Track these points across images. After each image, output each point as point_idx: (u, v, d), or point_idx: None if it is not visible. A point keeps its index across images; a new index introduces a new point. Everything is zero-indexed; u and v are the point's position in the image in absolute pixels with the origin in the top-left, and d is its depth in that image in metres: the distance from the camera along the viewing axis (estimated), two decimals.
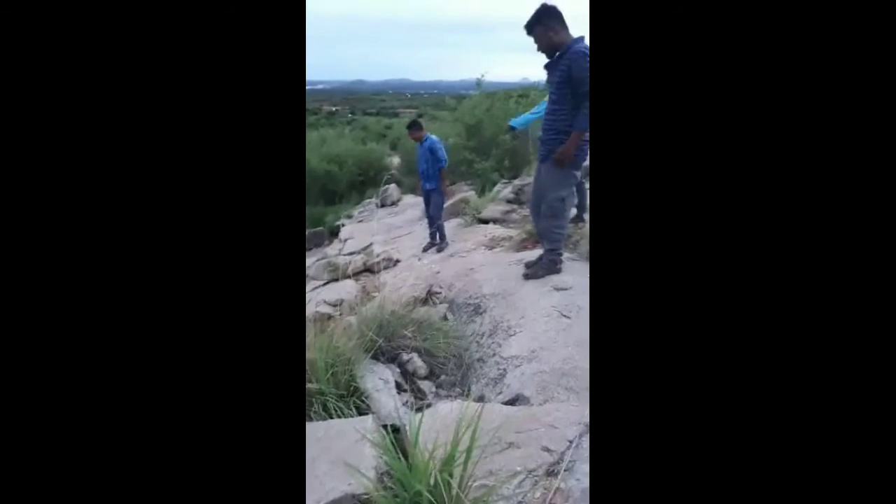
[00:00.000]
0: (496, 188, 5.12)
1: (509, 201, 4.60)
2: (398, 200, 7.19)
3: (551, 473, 1.05)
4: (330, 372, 1.50)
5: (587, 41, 2.00)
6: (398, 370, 1.83)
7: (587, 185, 3.60)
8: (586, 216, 3.36)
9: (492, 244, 3.46)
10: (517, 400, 1.58)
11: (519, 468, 1.06)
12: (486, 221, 4.21)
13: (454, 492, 0.89)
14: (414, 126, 4.03)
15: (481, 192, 5.15)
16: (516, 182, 5.08)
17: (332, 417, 1.38)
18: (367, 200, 7.66)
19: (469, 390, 1.78)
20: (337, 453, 1.10)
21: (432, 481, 0.91)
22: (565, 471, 1.05)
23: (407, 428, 1.24)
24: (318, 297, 3.15)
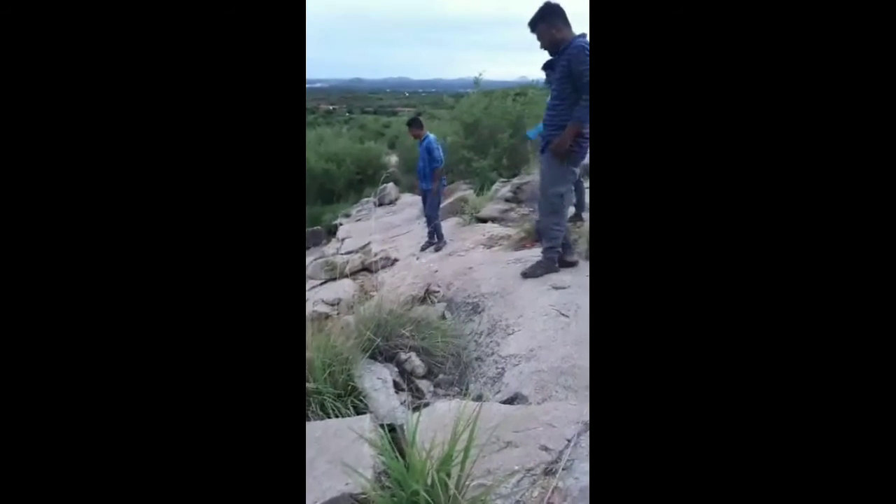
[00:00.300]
0: (494, 187, 5.12)
1: (507, 200, 4.60)
2: (396, 199, 7.18)
3: (549, 472, 1.05)
4: (327, 371, 1.50)
5: (588, 38, 2.01)
6: (396, 369, 1.83)
7: (586, 185, 3.60)
8: (585, 215, 3.36)
9: (490, 243, 3.46)
10: (515, 399, 1.58)
11: (517, 467, 1.06)
12: (484, 220, 4.21)
13: (451, 491, 0.88)
14: (414, 123, 4.02)
15: (480, 191, 5.14)
16: (514, 181, 5.07)
17: (329, 417, 1.38)
18: (365, 199, 7.64)
19: (467, 389, 1.78)
20: (334, 453, 1.10)
21: (430, 481, 0.91)
22: (563, 469, 1.05)
23: (405, 427, 1.23)
24: (315, 297, 3.14)
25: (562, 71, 2.08)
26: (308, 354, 1.49)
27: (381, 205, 7.10)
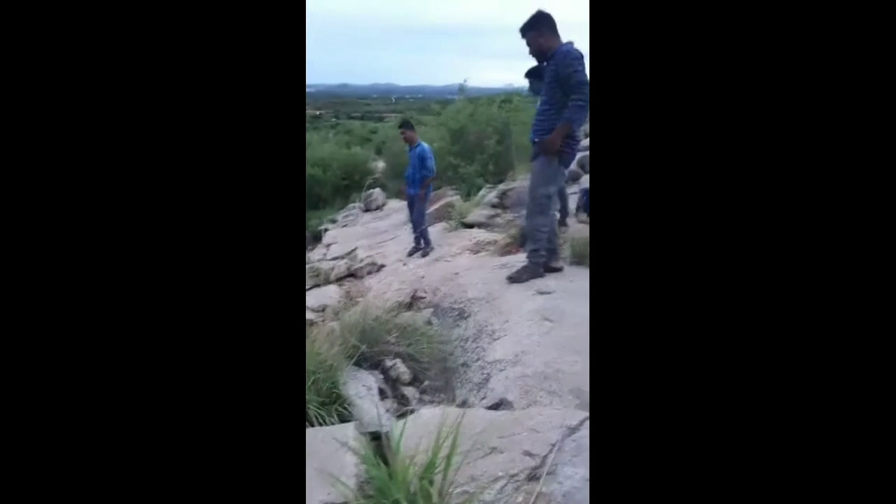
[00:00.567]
0: (481, 193, 5.15)
1: (494, 206, 4.63)
2: (383, 205, 7.16)
3: (533, 478, 1.05)
4: (311, 379, 1.48)
5: (574, 45, 2.06)
6: (381, 376, 1.82)
7: (570, 191, 3.65)
8: (570, 220, 3.41)
9: (476, 248, 3.47)
10: (501, 404, 1.58)
11: (501, 473, 1.06)
12: (470, 226, 4.22)
13: (434, 499, 0.88)
14: (406, 125, 4.01)
15: (466, 197, 5.17)
16: (500, 187, 5.11)
17: (313, 425, 1.36)
18: (352, 205, 7.61)
19: (453, 395, 1.78)
20: (318, 462, 1.08)
21: (412, 489, 0.91)
22: (547, 475, 1.05)
23: (389, 435, 1.22)
24: None
25: (550, 76, 2.12)
26: None
27: (367, 210, 7.08)
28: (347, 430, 1.24)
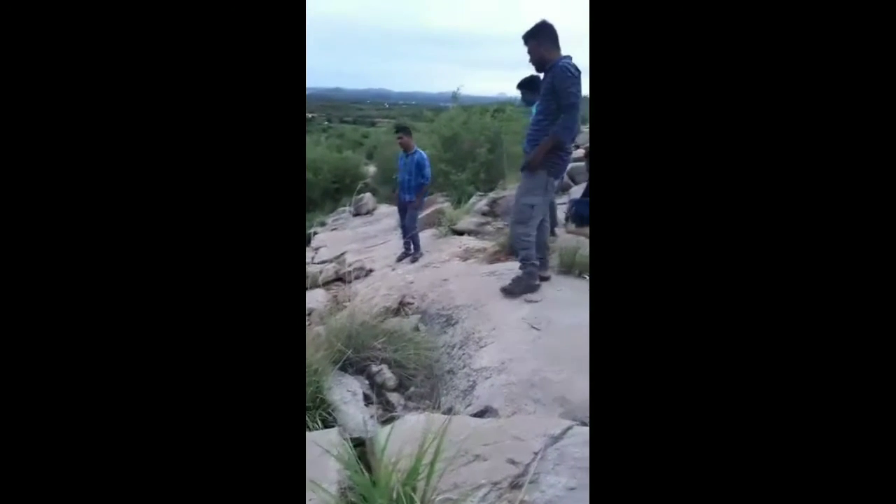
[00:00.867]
0: (471, 200, 5.18)
1: (484, 213, 4.66)
2: (373, 209, 7.15)
3: (516, 486, 1.06)
4: None
5: (572, 61, 2.10)
6: (367, 382, 1.81)
7: (559, 201, 3.69)
8: (558, 230, 3.44)
9: (466, 255, 3.48)
10: (486, 412, 1.58)
11: (483, 481, 1.06)
12: (460, 233, 4.24)
13: None
14: (403, 130, 4.00)
15: (456, 204, 5.19)
16: (491, 195, 5.15)
17: None
18: (342, 209, 7.58)
19: (438, 402, 1.77)
20: None
21: (395, 495, 0.90)
22: (530, 483, 1.06)
23: (373, 441, 1.22)
24: None
25: (546, 88, 2.16)
26: None
27: (357, 215, 7.05)
28: (331, 436, 1.23)
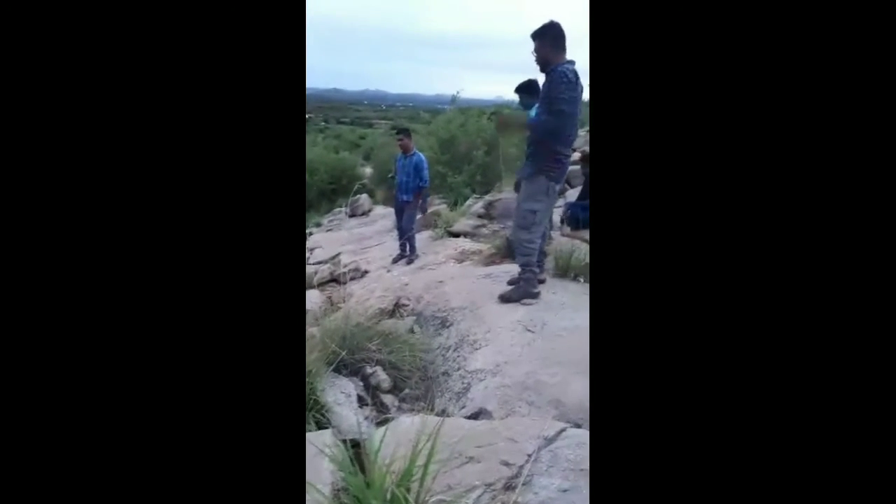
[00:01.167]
0: (467, 203, 5.20)
1: (480, 216, 4.67)
2: (369, 210, 7.14)
3: (509, 488, 1.06)
4: None
5: (573, 66, 2.10)
6: (361, 383, 1.80)
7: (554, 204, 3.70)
8: (553, 233, 3.45)
9: (461, 257, 3.49)
10: (480, 414, 1.59)
11: (477, 482, 1.06)
12: (456, 235, 4.25)
13: None
14: (404, 132, 4.01)
15: (453, 206, 5.20)
16: (487, 197, 5.16)
17: None
18: (337, 209, 7.57)
19: (433, 404, 1.77)
20: None
21: (389, 496, 0.90)
22: (523, 485, 1.06)
23: (367, 442, 1.22)
24: None
25: (543, 91, 2.16)
26: None
27: (353, 216, 7.04)
28: (325, 437, 1.23)
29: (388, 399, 1.78)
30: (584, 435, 1.22)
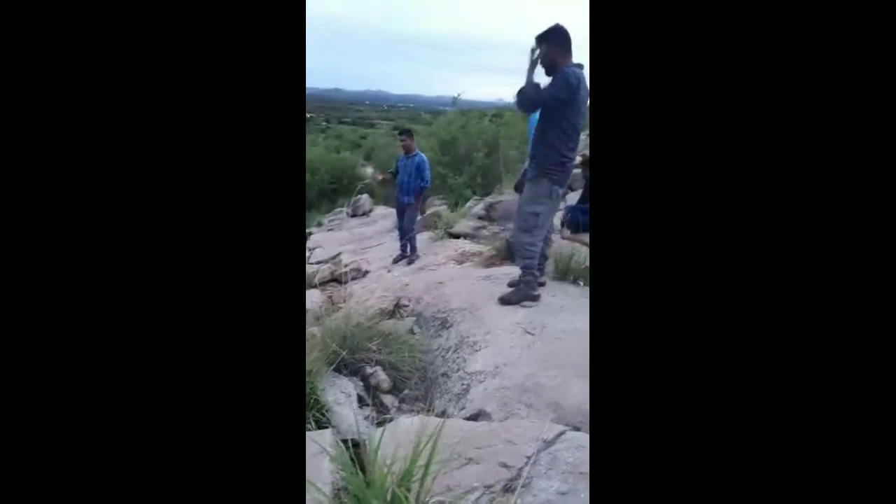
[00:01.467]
0: (468, 204, 5.20)
1: (480, 217, 4.67)
2: (370, 211, 7.15)
3: (508, 489, 1.06)
4: None
5: (580, 70, 2.10)
6: (361, 383, 1.81)
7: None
8: (553, 236, 3.46)
9: (461, 259, 3.49)
10: (479, 415, 1.59)
11: (476, 484, 1.07)
12: (456, 236, 4.25)
13: None
14: (406, 133, 4.02)
15: (453, 207, 5.21)
16: (488, 199, 5.17)
17: None
18: (338, 209, 7.57)
19: (432, 405, 1.78)
20: None
21: (389, 496, 0.91)
22: (522, 487, 1.06)
23: (367, 442, 1.22)
24: None
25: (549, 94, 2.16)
26: None
27: (354, 215, 7.05)
28: (325, 437, 1.23)
29: (387, 399, 1.78)
30: (583, 438, 1.22)
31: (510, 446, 1.19)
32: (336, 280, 3.87)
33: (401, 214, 4.06)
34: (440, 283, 2.84)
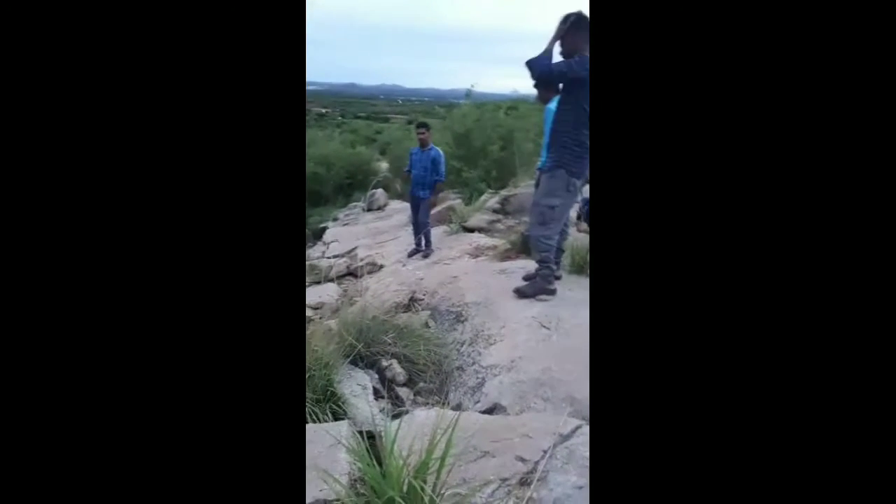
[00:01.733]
0: (483, 198, 5.17)
1: (495, 211, 4.64)
2: (385, 205, 7.17)
3: (524, 483, 1.06)
4: (307, 376, 1.49)
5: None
6: (377, 376, 1.82)
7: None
8: (570, 229, 3.42)
9: (476, 253, 3.48)
10: (494, 409, 1.59)
11: (492, 477, 1.07)
12: (471, 230, 4.23)
13: (427, 499, 0.89)
14: (424, 126, 4.01)
15: (468, 201, 5.18)
16: (503, 193, 5.12)
17: (307, 422, 1.37)
18: (354, 204, 7.62)
19: (447, 398, 1.78)
20: (310, 458, 1.09)
21: (405, 488, 0.91)
22: (538, 480, 1.06)
23: (382, 434, 1.23)
24: None
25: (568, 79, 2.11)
26: None
27: (369, 210, 7.09)
28: (341, 428, 1.25)
29: (403, 392, 1.80)
30: None
31: (526, 440, 1.19)
32: (352, 274, 3.90)
33: (415, 209, 4.06)
34: (455, 277, 2.84)
